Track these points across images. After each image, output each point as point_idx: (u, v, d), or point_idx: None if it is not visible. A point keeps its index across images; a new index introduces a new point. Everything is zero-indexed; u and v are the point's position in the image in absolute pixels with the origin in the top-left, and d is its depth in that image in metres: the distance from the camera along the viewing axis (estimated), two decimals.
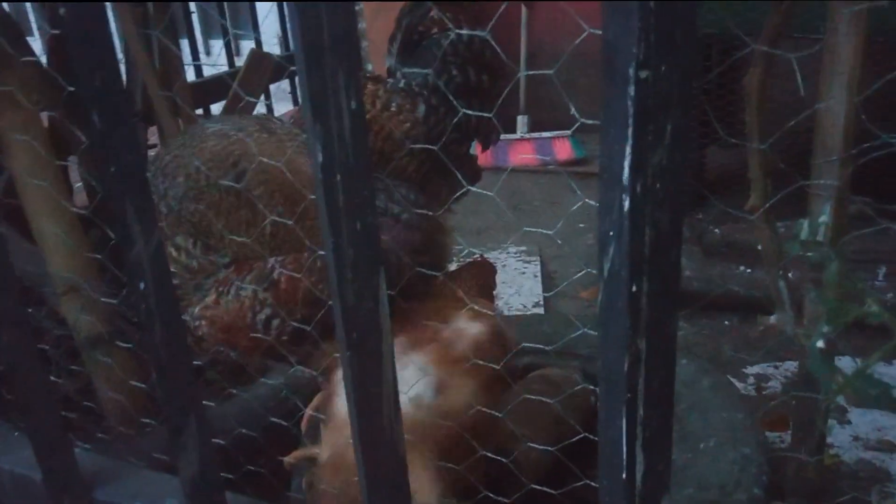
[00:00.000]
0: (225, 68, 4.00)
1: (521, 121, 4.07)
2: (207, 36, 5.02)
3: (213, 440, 0.96)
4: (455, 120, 1.39)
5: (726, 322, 2.43)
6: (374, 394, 0.75)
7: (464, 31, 1.34)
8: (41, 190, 1.47)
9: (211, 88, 3.57)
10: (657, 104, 0.51)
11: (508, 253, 3.11)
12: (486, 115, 1.38)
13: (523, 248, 3.12)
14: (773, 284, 0.76)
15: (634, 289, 0.57)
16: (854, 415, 1.99)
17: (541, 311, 2.64)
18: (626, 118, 0.52)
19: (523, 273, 2.93)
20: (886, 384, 0.65)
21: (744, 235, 2.57)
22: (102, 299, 1.43)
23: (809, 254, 0.76)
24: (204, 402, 0.93)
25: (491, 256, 3.10)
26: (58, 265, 1.63)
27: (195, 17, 4.18)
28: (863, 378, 0.66)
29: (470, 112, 1.33)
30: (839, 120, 1.18)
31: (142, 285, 0.81)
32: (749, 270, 2.49)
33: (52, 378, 1.71)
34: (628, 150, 0.52)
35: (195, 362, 1.27)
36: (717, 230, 2.62)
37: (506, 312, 2.65)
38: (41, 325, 1.78)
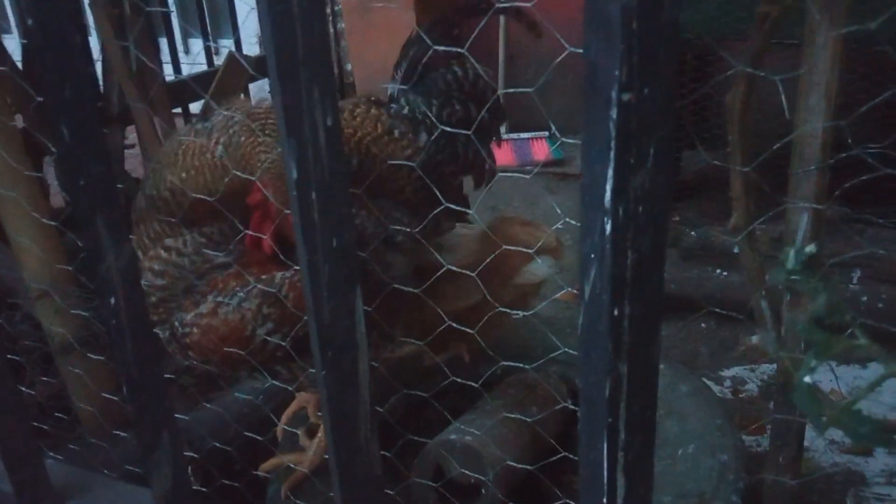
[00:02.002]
0: (204, 68, 3.97)
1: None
2: (187, 35, 4.95)
3: (188, 453, 0.94)
4: (453, 151, 1.41)
5: (703, 325, 2.45)
6: (351, 413, 0.74)
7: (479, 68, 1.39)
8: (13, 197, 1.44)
9: (189, 88, 3.54)
10: (640, 127, 0.50)
11: None
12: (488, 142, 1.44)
13: None
14: (756, 305, 0.76)
15: (616, 312, 0.56)
16: None
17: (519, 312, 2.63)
18: (608, 141, 0.51)
19: None
20: (877, 420, 0.65)
21: (720, 238, 2.58)
22: (72, 310, 1.39)
23: (796, 280, 0.76)
24: (177, 414, 0.91)
25: None
26: (31, 270, 1.60)
27: (174, 17, 4.13)
28: (851, 415, 0.66)
29: (475, 139, 1.38)
30: (817, 130, 1.18)
31: (112, 300, 0.79)
32: (725, 273, 2.50)
33: (24, 385, 1.68)
34: (610, 172, 0.51)
35: (169, 372, 1.24)
36: (693, 233, 2.63)
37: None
38: (15, 331, 1.74)
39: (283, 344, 1.19)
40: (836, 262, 2.39)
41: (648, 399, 0.61)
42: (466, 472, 1.35)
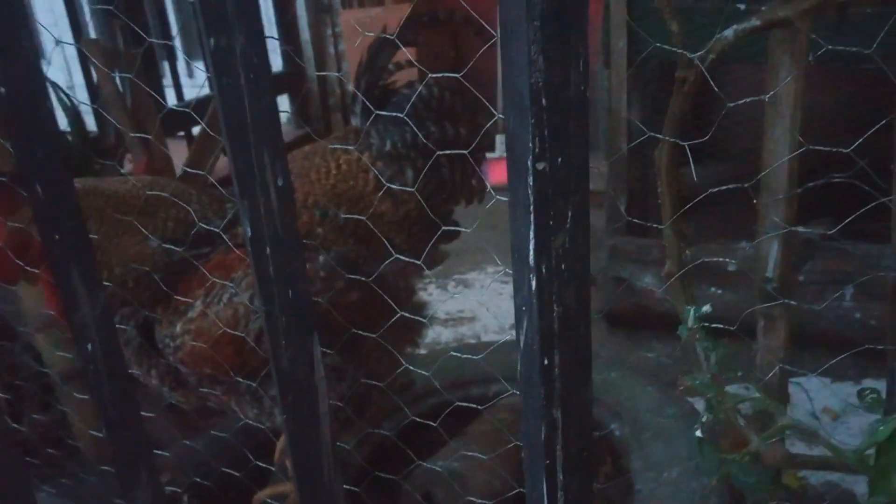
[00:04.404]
0: (207, 91, 4.04)
1: (500, 140, 4.10)
2: (190, 58, 5.04)
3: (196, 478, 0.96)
4: (439, 179, 1.36)
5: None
6: (313, 453, 0.77)
7: (438, 74, 1.32)
8: None
9: (191, 114, 3.61)
10: (556, 192, 0.53)
11: (487, 273, 3.13)
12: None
13: (501, 268, 3.14)
14: (690, 348, 0.78)
15: (546, 362, 0.59)
16: (822, 436, 2.01)
17: None
18: (527, 205, 0.54)
19: (501, 294, 2.95)
20: (761, 472, 0.67)
21: (715, 256, 2.59)
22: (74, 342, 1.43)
23: (697, 339, 0.79)
24: (156, 451, 0.95)
25: (469, 277, 3.12)
26: (33, 304, 1.64)
27: (177, 41, 4.22)
28: (739, 467, 0.68)
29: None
30: (783, 160, 1.21)
31: (89, 346, 0.83)
32: (720, 291, 2.52)
33: (21, 416, 1.72)
34: (531, 234, 0.55)
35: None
36: (687, 251, 2.64)
37: (482, 336, 2.67)
38: (15, 361, 1.79)
39: None
40: (828, 280, 2.40)
41: (584, 441, 0.64)
42: (454, 498, 1.37)
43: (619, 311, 2.55)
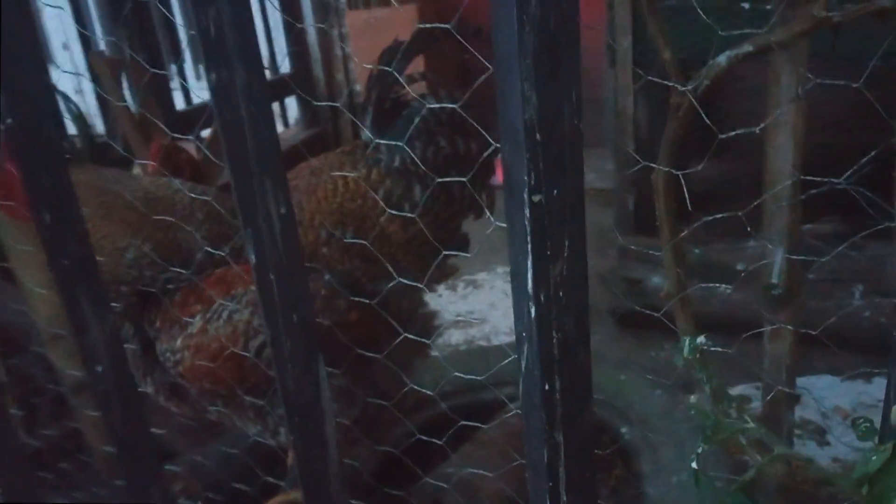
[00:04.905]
0: None
1: None
2: (198, 61, 5.07)
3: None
4: (448, 195, 1.32)
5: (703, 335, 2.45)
6: (321, 472, 0.78)
7: (435, 105, 1.29)
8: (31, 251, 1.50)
9: (199, 116, 3.65)
10: (553, 222, 0.54)
11: (496, 274, 3.14)
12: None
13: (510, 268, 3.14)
14: (691, 367, 0.79)
15: (547, 387, 0.60)
16: (833, 436, 2.01)
17: None
18: (524, 235, 0.54)
19: (510, 295, 2.95)
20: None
21: (724, 255, 2.59)
22: None
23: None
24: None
25: (479, 278, 3.13)
26: (46, 317, 1.66)
27: (185, 43, 4.24)
28: (733, 496, 0.68)
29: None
30: (786, 167, 1.20)
31: (99, 368, 0.84)
32: (729, 290, 2.51)
33: (34, 427, 1.75)
34: (529, 263, 0.55)
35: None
36: (697, 249, 2.64)
37: (492, 337, 2.68)
38: (27, 373, 1.81)
39: None
40: (837, 279, 2.39)
41: (586, 463, 0.64)
42: None
43: (627, 311, 2.55)
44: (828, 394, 2.19)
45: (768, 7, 1.27)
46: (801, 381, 1.42)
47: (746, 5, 2.18)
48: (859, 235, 0.99)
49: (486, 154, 1.13)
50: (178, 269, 1.15)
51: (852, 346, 1.93)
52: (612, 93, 2.80)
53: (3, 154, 1.10)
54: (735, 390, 2.29)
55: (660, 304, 2.56)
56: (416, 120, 1.28)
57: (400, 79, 1.24)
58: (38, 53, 0.74)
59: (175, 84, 3.85)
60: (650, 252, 2.55)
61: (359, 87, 4.55)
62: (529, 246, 0.54)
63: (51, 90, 0.80)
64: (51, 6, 1.28)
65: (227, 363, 1.13)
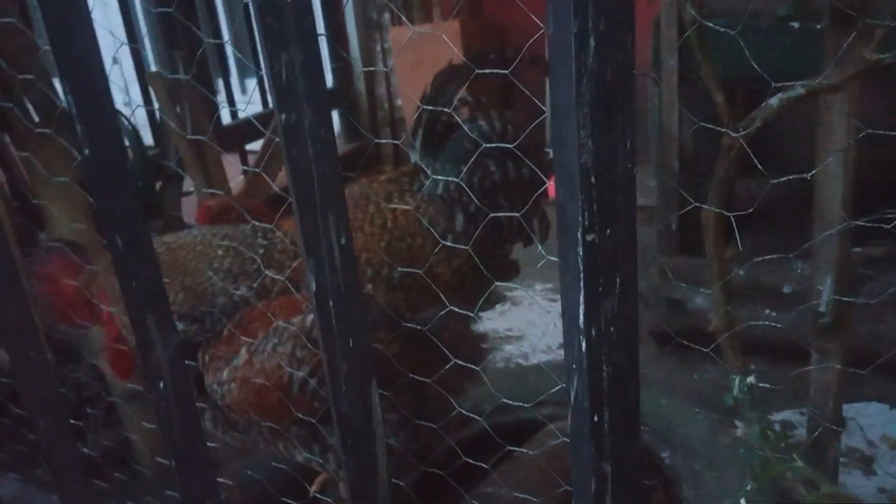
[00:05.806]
0: (259, 108, 4.18)
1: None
2: (243, 75, 5.19)
3: None
4: (495, 222, 1.28)
5: (752, 366, 2.43)
6: (371, 493, 0.81)
7: (483, 125, 1.28)
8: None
9: (245, 131, 3.76)
10: (605, 262, 0.56)
11: (535, 291, 3.15)
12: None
13: (549, 285, 3.14)
14: (740, 403, 0.80)
15: (596, 418, 0.62)
16: (880, 465, 1.97)
17: None
18: (577, 273, 0.57)
19: (549, 312, 2.96)
20: None
21: (769, 277, 2.56)
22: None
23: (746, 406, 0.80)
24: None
25: (517, 295, 3.14)
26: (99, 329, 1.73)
27: (230, 58, 4.36)
28: None
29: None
30: (836, 195, 1.20)
31: (161, 385, 0.88)
32: (775, 313, 2.48)
33: (86, 434, 1.81)
34: (581, 299, 0.57)
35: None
36: (741, 271, 2.62)
37: (531, 355, 2.68)
38: (80, 381, 1.88)
39: (322, 393, 1.12)
40: (887, 302, 2.35)
41: (633, 494, 0.66)
42: None
43: (669, 331, 2.53)
44: (875, 421, 2.15)
45: (818, 27, 1.27)
46: (848, 408, 1.40)
47: (795, 25, 2.17)
48: None
49: (537, 192, 1.14)
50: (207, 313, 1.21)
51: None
52: (657, 110, 2.80)
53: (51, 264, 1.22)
54: (780, 416, 2.27)
55: (702, 324, 2.53)
56: (476, 135, 1.26)
57: (455, 101, 1.24)
58: (108, 86, 0.78)
59: (221, 97, 3.96)
60: (693, 271, 2.54)
61: (399, 102, 4.62)
62: (581, 283, 0.56)
63: (118, 118, 0.85)
64: (105, 30, 1.34)
65: (272, 394, 1.16)
